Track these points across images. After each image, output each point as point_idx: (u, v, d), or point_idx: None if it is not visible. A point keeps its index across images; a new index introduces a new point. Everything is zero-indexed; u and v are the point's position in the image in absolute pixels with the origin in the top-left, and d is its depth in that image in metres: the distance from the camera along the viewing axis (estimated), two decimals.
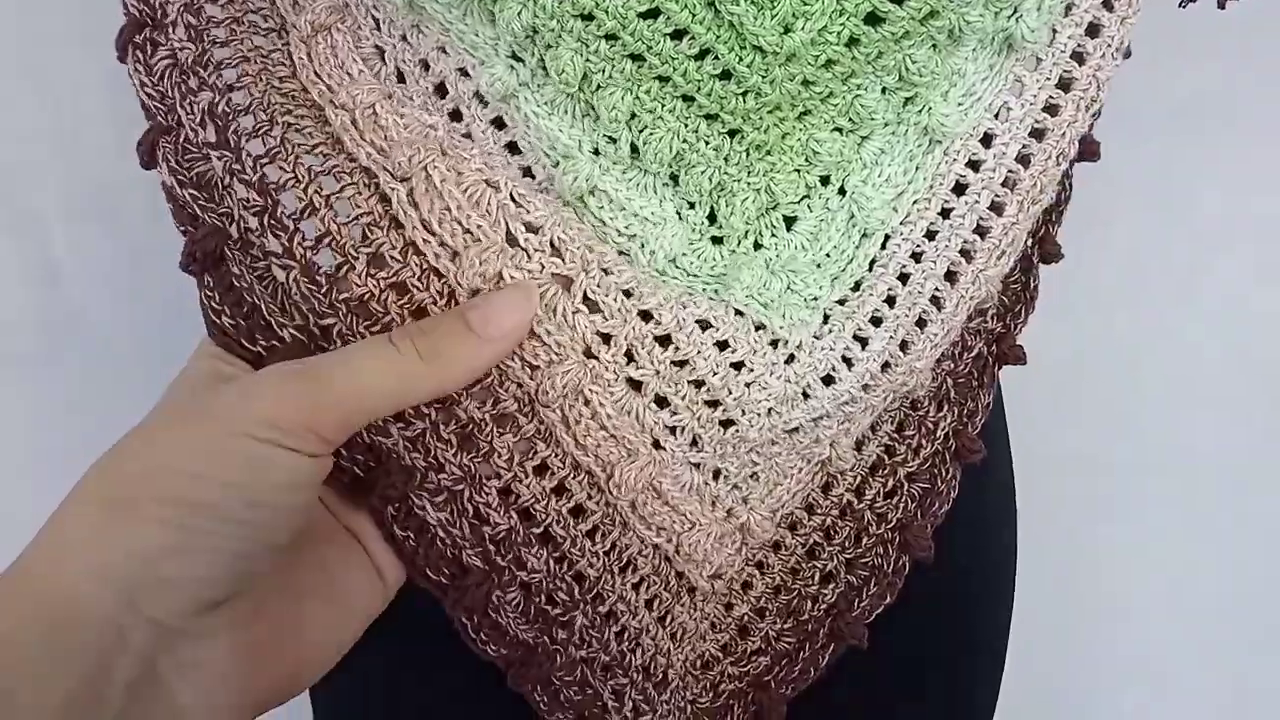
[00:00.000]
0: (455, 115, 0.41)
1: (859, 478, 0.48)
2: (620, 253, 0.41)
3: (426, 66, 0.41)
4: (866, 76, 0.39)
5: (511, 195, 0.39)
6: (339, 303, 0.38)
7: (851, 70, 0.38)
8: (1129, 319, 0.94)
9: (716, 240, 0.41)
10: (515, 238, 0.39)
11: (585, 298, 0.40)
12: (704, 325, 0.41)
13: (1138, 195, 0.86)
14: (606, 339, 0.40)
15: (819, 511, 0.48)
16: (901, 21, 0.37)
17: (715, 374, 0.41)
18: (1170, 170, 0.87)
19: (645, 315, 0.40)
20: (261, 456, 0.31)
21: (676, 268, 0.41)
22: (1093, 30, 0.43)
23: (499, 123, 0.41)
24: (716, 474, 0.44)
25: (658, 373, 0.41)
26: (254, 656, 0.33)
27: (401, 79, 0.41)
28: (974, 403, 0.51)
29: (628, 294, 0.40)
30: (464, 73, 0.40)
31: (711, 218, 0.41)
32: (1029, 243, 0.51)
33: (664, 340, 0.41)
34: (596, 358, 0.40)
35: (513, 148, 0.41)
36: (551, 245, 0.39)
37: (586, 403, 0.40)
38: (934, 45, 0.39)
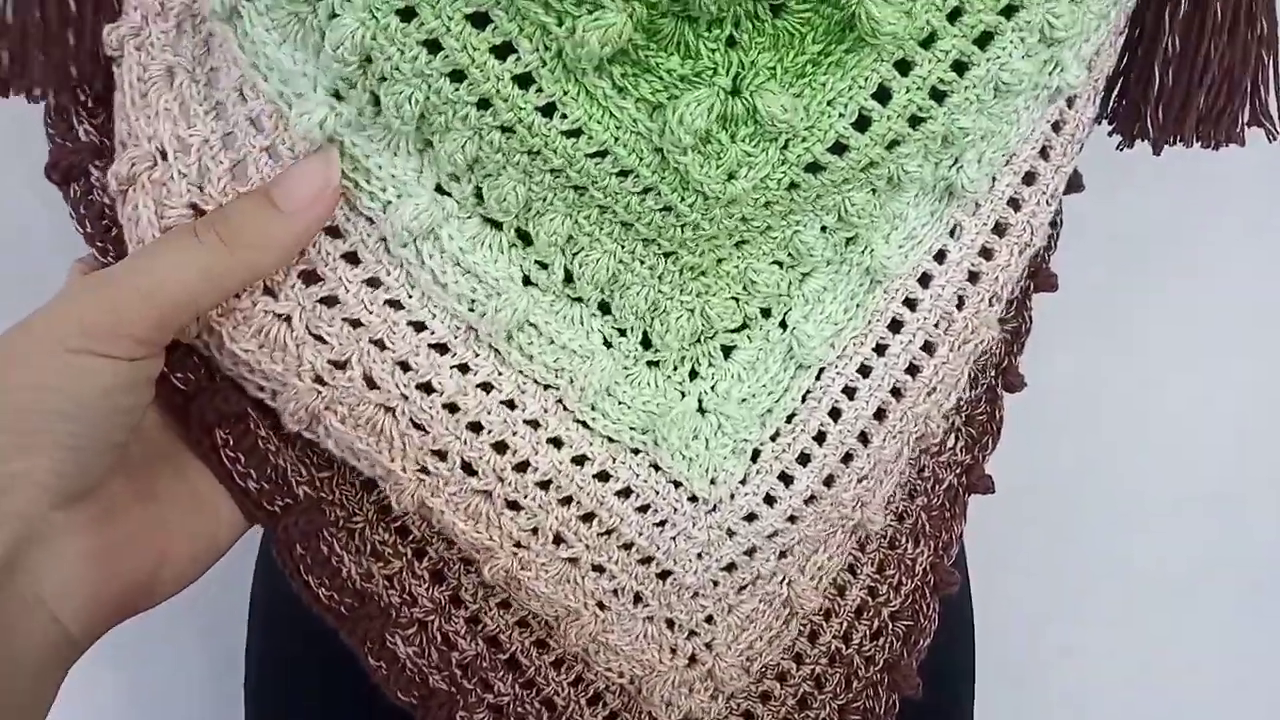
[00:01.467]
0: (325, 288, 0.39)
1: (845, 623, 0.49)
2: (546, 387, 0.41)
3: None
4: (805, 215, 0.40)
5: (412, 420, 0.39)
6: None
7: (790, 209, 0.39)
8: (1077, 442, 0.96)
9: (652, 364, 0.42)
10: (426, 466, 0.40)
11: (507, 500, 0.41)
12: (624, 494, 0.42)
13: (1086, 321, 0.87)
14: (534, 530, 0.41)
15: (808, 660, 0.48)
16: (841, 170, 0.38)
17: (641, 534, 0.43)
18: (1115, 299, 0.89)
19: (566, 501, 0.42)
20: (76, 364, 0.33)
21: (602, 410, 0.42)
22: (1029, 178, 0.44)
23: (373, 282, 0.39)
24: (670, 623, 0.44)
25: (588, 547, 0.42)
26: (109, 555, 0.35)
27: None
28: (948, 534, 0.51)
29: (545, 486, 0.41)
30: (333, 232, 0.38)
31: (646, 343, 0.42)
32: (992, 373, 0.52)
33: (588, 518, 0.42)
34: (526, 548, 0.41)
35: (394, 304, 0.39)
36: (465, 467, 0.40)
37: (520, 585, 0.42)
38: (874, 190, 0.40)
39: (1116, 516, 1.00)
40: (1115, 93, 0.48)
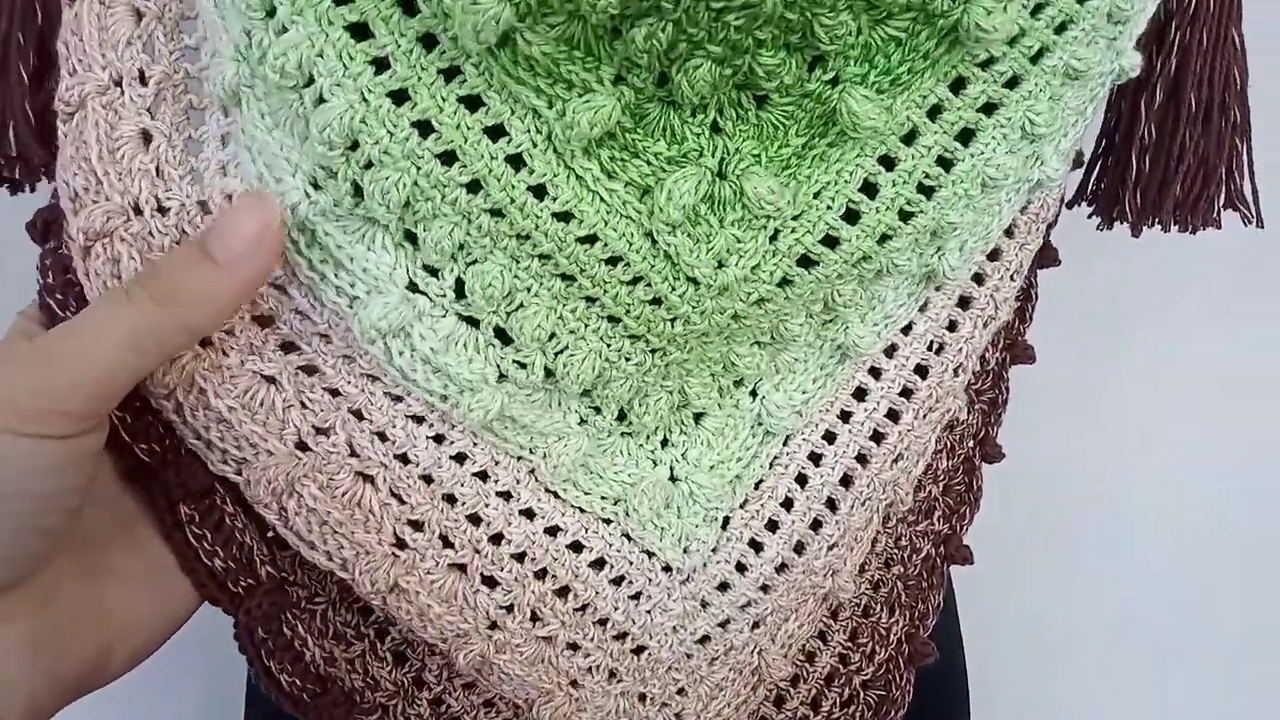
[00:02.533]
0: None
1: (814, 690, 0.48)
2: (519, 458, 0.41)
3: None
4: (795, 308, 0.40)
5: (391, 490, 0.39)
6: None
7: (784, 307, 0.39)
8: (1062, 505, 0.96)
9: (626, 434, 0.42)
10: (403, 539, 0.39)
11: (483, 576, 0.40)
12: (598, 565, 0.42)
13: (1060, 391, 0.88)
14: (510, 608, 0.41)
15: None
16: (834, 263, 0.38)
17: (617, 609, 0.42)
18: (1089, 369, 0.90)
19: (541, 574, 0.41)
20: (4, 446, 0.30)
21: (574, 481, 0.42)
22: (994, 254, 0.45)
23: (349, 358, 0.39)
24: (642, 697, 0.44)
25: (564, 624, 0.42)
26: (53, 639, 0.33)
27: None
28: (924, 604, 0.51)
29: (520, 558, 0.41)
30: (303, 315, 0.38)
31: (621, 416, 0.42)
32: (970, 444, 0.52)
33: (563, 592, 0.42)
34: (502, 628, 0.41)
35: (371, 378, 0.39)
36: (442, 539, 0.40)
37: (494, 669, 0.41)
38: (861, 280, 0.40)
39: (1094, 581, 1.00)
40: (1095, 175, 0.49)
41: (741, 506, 0.44)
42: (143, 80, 0.37)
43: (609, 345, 0.38)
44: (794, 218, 0.37)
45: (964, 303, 0.45)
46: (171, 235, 0.36)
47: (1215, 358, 0.90)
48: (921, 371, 0.45)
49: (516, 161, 0.34)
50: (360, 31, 0.32)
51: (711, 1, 0.30)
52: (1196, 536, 0.98)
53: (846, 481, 0.45)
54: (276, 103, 0.34)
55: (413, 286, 0.37)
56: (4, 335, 0.36)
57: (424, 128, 0.33)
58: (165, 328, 0.32)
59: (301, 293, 0.37)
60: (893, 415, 0.45)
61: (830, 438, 0.45)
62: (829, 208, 0.37)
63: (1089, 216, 0.49)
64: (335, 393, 0.39)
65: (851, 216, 0.38)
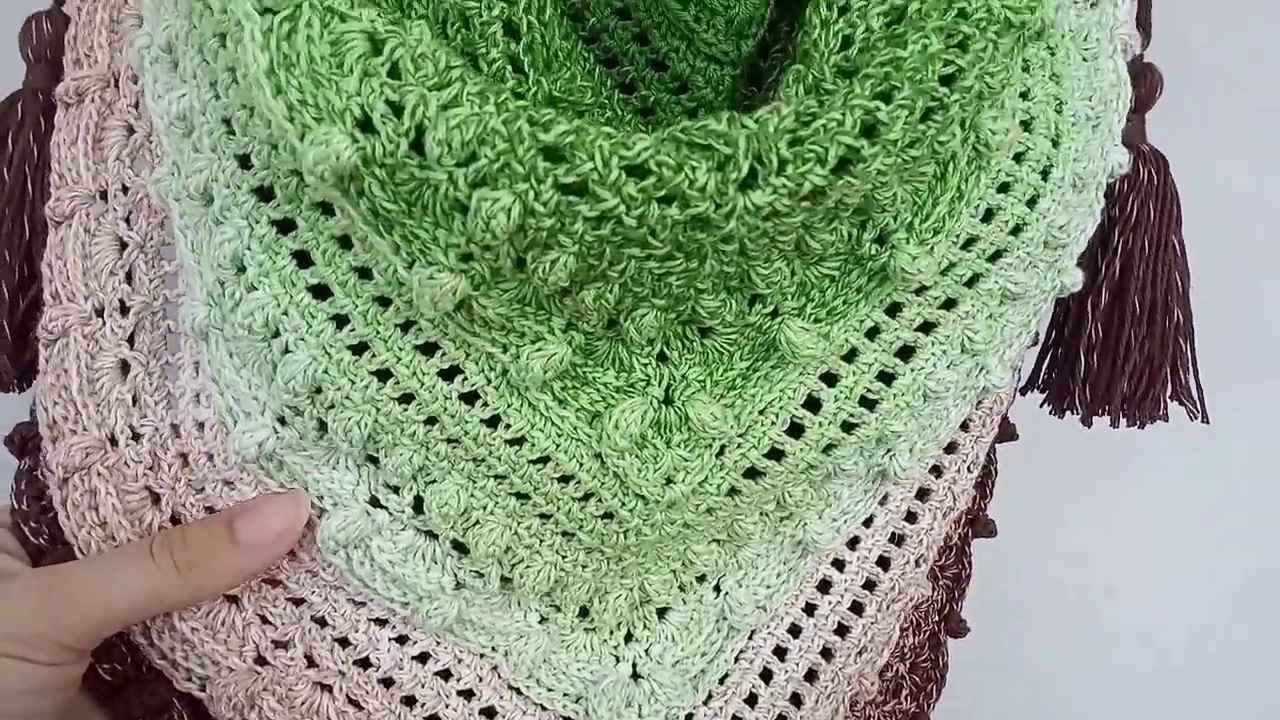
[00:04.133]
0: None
1: None
2: (481, 655, 0.42)
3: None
4: (747, 510, 0.41)
5: (349, 697, 0.40)
6: None
7: (733, 513, 0.40)
8: (1043, 643, 0.96)
9: (589, 630, 0.43)
10: None
11: None
12: None
13: (1042, 530, 0.89)
14: None
15: None
16: (780, 474, 0.39)
17: None
18: (1065, 524, 0.90)
19: None
20: (2, 667, 0.33)
21: (537, 678, 0.42)
22: (951, 447, 0.46)
23: (312, 571, 0.40)
24: None
25: None
26: None
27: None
28: None
29: None
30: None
31: (583, 613, 0.43)
32: (935, 619, 0.53)
33: None
34: None
35: (335, 586, 0.40)
36: None
37: None
38: (810, 483, 0.41)
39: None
40: (1046, 365, 0.50)
41: (705, 703, 0.44)
42: (123, 310, 0.39)
43: (564, 557, 0.39)
44: (739, 434, 0.38)
45: (923, 495, 0.46)
46: (145, 462, 0.38)
47: (1192, 489, 0.90)
48: (883, 563, 0.46)
49: (471, 397, 0.36)
50: (321, 292, 0.34)
51: (654, 268, 0.32)
52: (1182, 666, 0.97)
53: (811, 676, 0.45)
54: (245, 346, 0.36)
55: (374, 501, 0.38)
56: None
57: (383, 375, 0.35)
58: (180, 591, 0.36)
59: None
60: (856, 608, 0.46)
61: (795, 631, 0.45)
62: (773, 424, 0.38)
63: (1040, 405, 0.51)
64: (299, 602, 0.40)
65: (796, 430, 0.39)
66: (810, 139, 0.31)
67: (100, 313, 0.39)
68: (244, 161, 0.34)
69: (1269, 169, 0.78)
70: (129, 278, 0.39)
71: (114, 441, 0.38)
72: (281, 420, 0.37)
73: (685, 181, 0.29)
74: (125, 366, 0.39)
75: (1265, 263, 0.80)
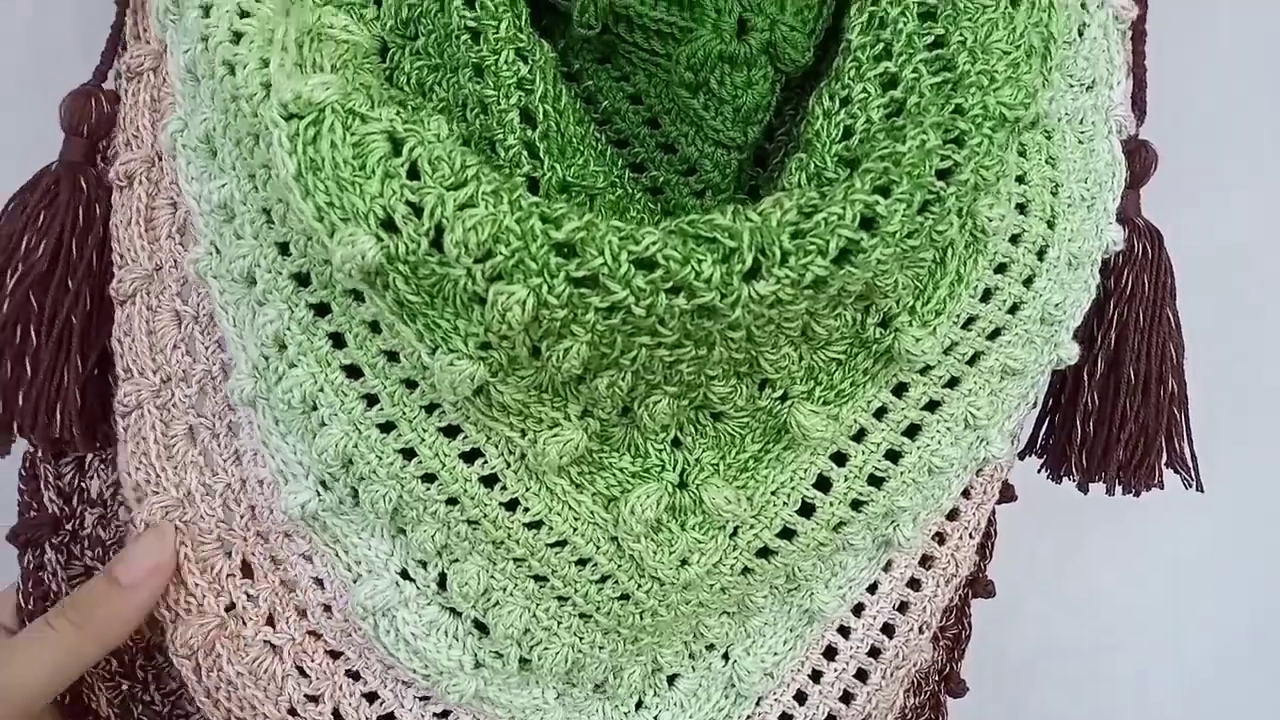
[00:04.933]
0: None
1: None
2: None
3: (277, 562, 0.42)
4: (759, 585, 0.42)
5: None
6: None
7: (745, 590, 0.41)
8: (1041, 699, 0.96)
9: (601, 698, 0.44)
10: None
11: None
12: None
13: (1041, 585, 0.89)
14: None
15: None
16: (792, 552, 0.41)
17: None
18: (1070, 559, 0.91)
19: None
20: None
21: None
22: (952, 514, 0.47)
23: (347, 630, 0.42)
24: None
25: None
26: None
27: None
28: None
29: None
30: (319, 583, 0.41)
31: (598, 687, 0.43)
32: (935, 680, 0.53)
33: None
34: None
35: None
36: None
37: None
38: (820, 557, 0.42)
39: None
40: (1044, 431, 0.51)
41: None
42: (187, 380, 0.41)
43: (581, 639, 0.40)
44: (753, 516, 0.39)
45: (926, 561, 0.47)
46: (217, 515, 0.41)
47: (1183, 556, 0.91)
48: (888, 630, 0.47)
49: (490, 480, 0.37)
50: (354, 371, 0.36)
51: (664, 355, 0.33)
52: None
53: None
54: (288, 416, 0.38)
55: (404, 574, 0.40)
56: None
57: (408, 453, 0.37)
58: (87, 645, 0.39)
59: (321, 561, 0.40)
60: (861, 675, 0.47)
61: (801, 698, 0.46)
62: (785, 504, 0.40)
63: (1038, 471, 0.52)
64: (336, 655, 0.42)
65: (807, 510, 0.40)
66: (812, 232, 0.32)
67: (168, 382, 0.41)
68: (283, 249, 0.37)
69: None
70: (189, 349, 0.41)
71: (190, 498, 0.41)
72: (324, 484, 0.39)
73: (692, 274, 0.31)
74: (194, 430, 0.41)
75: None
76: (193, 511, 0.41)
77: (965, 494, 0.47)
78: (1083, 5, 0.45)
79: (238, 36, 0.34)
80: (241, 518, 0.41)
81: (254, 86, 0.32)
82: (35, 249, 0.41)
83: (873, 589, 0.46)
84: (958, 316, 0.40)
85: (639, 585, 0.39)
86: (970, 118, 0.34)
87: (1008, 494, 0.51)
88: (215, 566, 0.41)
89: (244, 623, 0.41)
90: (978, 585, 0.53)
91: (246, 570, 0.41)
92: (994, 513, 0.51)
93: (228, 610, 0.41)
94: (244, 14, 0.35)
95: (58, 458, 0.44)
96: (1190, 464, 0.50)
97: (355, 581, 0.40)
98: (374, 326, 0.36)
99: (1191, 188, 0.64)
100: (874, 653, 0.47)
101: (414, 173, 0.31)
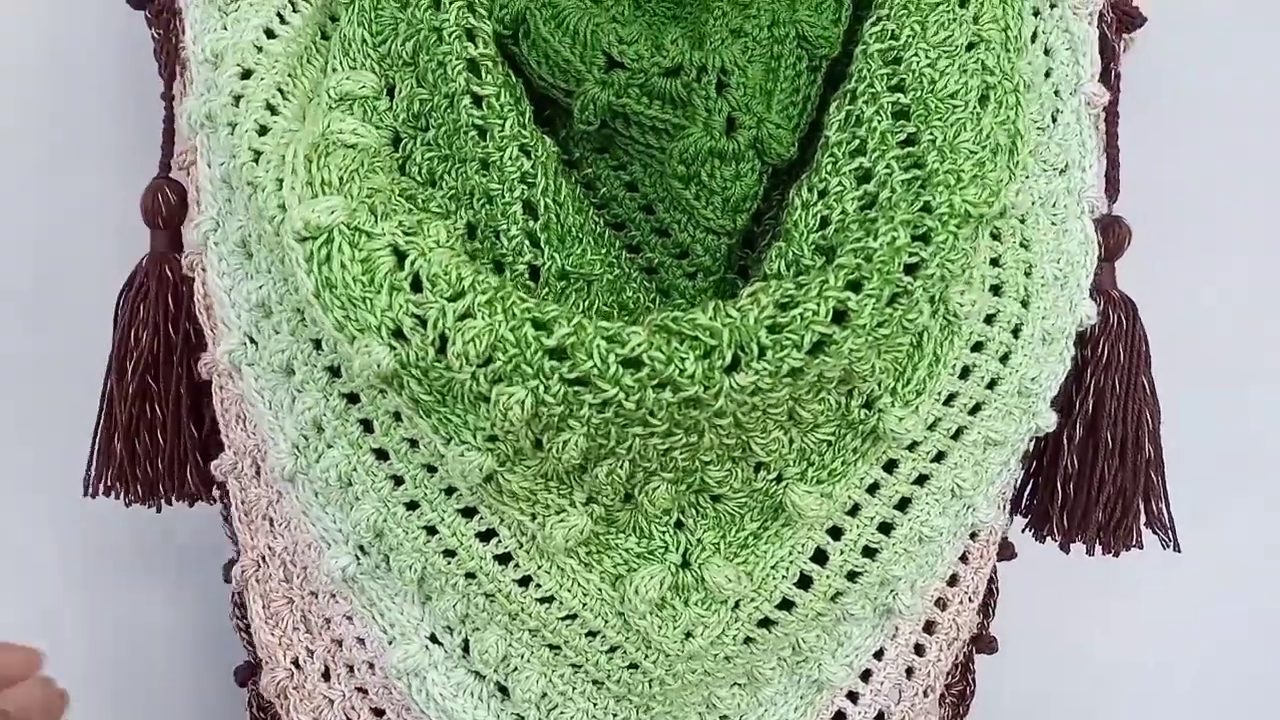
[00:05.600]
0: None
1: None
2: None
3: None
4: (764, 656, 0.44)
5: None
6: None
7: (750, 659, 0.44)
8: None
9: None
10: None
11: None
12: None
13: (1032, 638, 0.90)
14: None
15: None
16: (792, 623, 0.43)
17: None
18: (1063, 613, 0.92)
19: None
20: None
21: None
22: (952, 580, 0.50)
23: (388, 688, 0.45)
24: None
25: None
26: None
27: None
28: None
29: None
30: (361, 642, 0.45)
31: None
32: None
33: None
34: None
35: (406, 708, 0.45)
36: None
37: None
38: (822, 628, 0.45)
39: None
40: (1028, 492, 0.53)
41: None
42: (248, 454, 0.46)
43: (595, 705, 0.43)
44: (753, 590, 0.42)
45: (929, 627, 0.49)
46: (280, 575, 0.47)
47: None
48: (895, 695, 0.49)
49: (505, 558, 0.41)
50: (382, 454, 0.40)
51: (658, 444, 0.36)
52: None
53: None
54: (325, 489, 0.42)
55: (433, 638, 0.43)
56: None
57: (430, 530, 0.40)
58: None
59: (361, 622, 0.44)
60: None
61: None
62: (784, 577, 0.42)
63: (1023, 530, 0.54)
64: (380, 713, 0.46)
65: (805, 582, 0.43)
66: (787, 327, 0.35)
67: (240, 455, 0.47)
68: (317, 345, 0.41)
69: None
70: (244, 426, 0.47)
71: (263, 559, 0.47)
72: (361, 549, 0.43)
73: (676, 370, 0.34)
74: (258, 498, 0.47)
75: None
76: (264, 571, 0.46)
77: (963, 559, 0.49)
78: (1056, 93, 0.47)
79: (257, 156, 0.38)
80: (298, 578, 0.45)
81: (272, 209, 0.36)
82: (142, 338, 0.46)
83: (879, 655, 0.48)
84: (939, 394, 0.42)
85: (646, 656, 0.42)
86: (937, 215, 0.37)
87: (1007, 552, 0.53)
88: (283, 621, 0.46)
89: (305, 675, 0.45)
90: (981, 642, 0.55)
91: (307, 626, 0.46)
92: (995, 570, 0.53)
93: (294, 664, 0.45)
94: (263, 130, 0.38)
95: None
96: (1168, 525, 0.52)
97: (390, 644, 0.43)
98: (397, 416, 0.39)
99: (1171, 258, 0.66)
100: (880, 718, 0.49)
101: (417, 284, 0.34)
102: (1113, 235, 0.49)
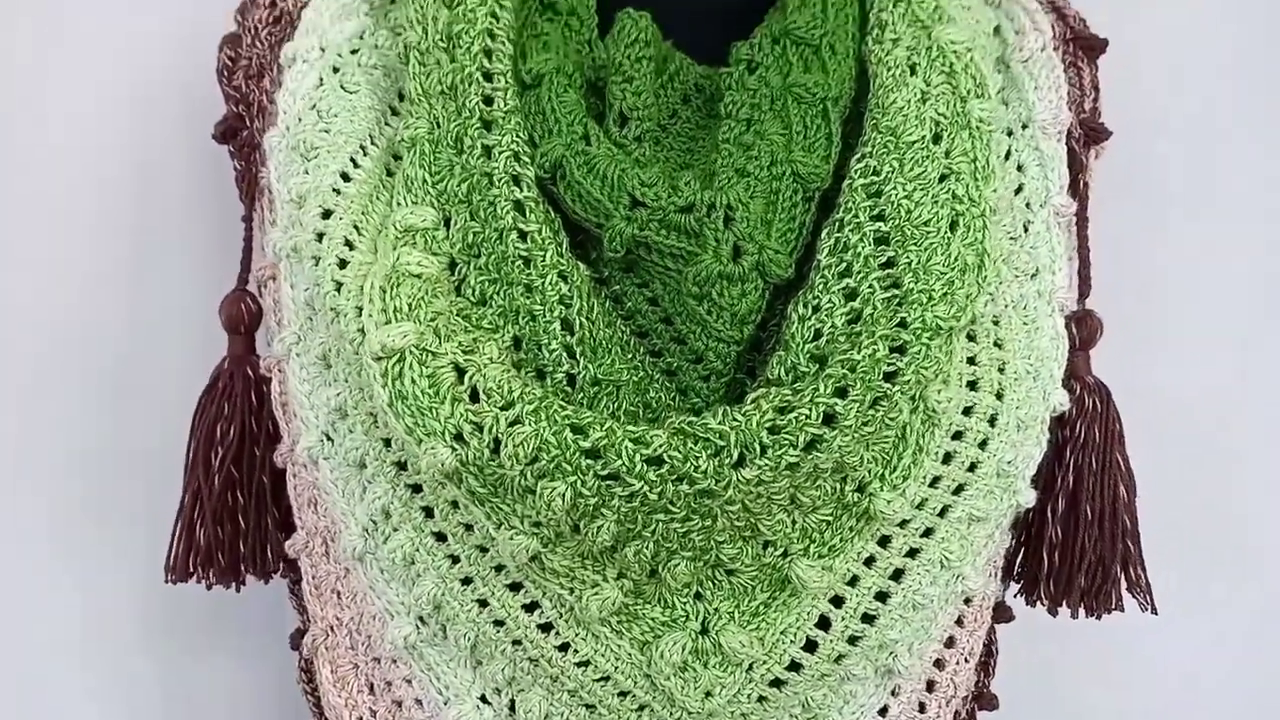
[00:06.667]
0: None
1: None
2: None
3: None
4: (777, 713, 0.50)
5: None
6: None
7: (765, 717, 0.50)
8: None
9: None
10: None
11: None
12: None
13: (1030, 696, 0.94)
14: None
15: None
16: (799, 683, 0.49)
17: None
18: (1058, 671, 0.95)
19: None
20: None
21: None
22: (949, 642, 0.55)
23: None
24: None
25: None
26: None
27: None
28: None
29: None
30: (419, 703, 0.51)
31: None
32: None
33: None
34: None
35: None
36: None
37: None
38: (830, 689, 0.50)
39: None
40: (1018, 559, 0.59)
41: None
42: (320, 535, 0.53)
43: None
44: (765, 654, 0.48)
45: (930, 686, 0.55)
46: (346, 644, 0.54)
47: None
48: None
49: (547, 627, 0.47)
50: (441, 537, 0.47)
51: (678, 528, 0.43)
52: None
53: None
54: (390, 568, 0.48)
55: (483, 698, 0.50)
56: None
57: (482, 603, 0.47)
58: None
59: (419, 684, 0.50)
60: None
61: None
62: (792, 642, 0.48)
63: (1015, 595, 0.59)
64: None
65: (810, 646, 0.49)
66: (785, 429, 0.42)
67: (313, 535, 0.54)
68: (386, 443, 0.48)
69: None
70: (315, 509, 0.53)
71: (332, 629, 0.53)
72: (421, 619, 0.49)
73: (691, 467, 0.41)
74: (328, 574, 0.54)
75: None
76: (333, 639, 0.52)
77: (959, 623, 0.55)
78: (1027, 205, 0.54)
79: (339, 286, 0.45)
80: (362, 645, 0.52)
81: (353, 332, 0.44)
82: (227, 433, 0.54)
83: (884, 712, 0.53)
84: (924, 478, 0.48)
85: (671, 713, 0.48)
86: (912, 329, 0.44)
87: (1004, 615, 0.59)
88: (349, 685, 0.52)
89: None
90: (983, 699, 0.60)
91: (371, 689, 0.52)
92: (994, 631, 0.59)
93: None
94: (343, 264, 0.46)
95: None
96: (1146, 590, 0.57)
97: (446, 704, 0.49)
98: (455, 504, 0.46)
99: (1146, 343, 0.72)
100: None
101: (475, 395, 0.41)
102: (1085, 327, 0.55)
